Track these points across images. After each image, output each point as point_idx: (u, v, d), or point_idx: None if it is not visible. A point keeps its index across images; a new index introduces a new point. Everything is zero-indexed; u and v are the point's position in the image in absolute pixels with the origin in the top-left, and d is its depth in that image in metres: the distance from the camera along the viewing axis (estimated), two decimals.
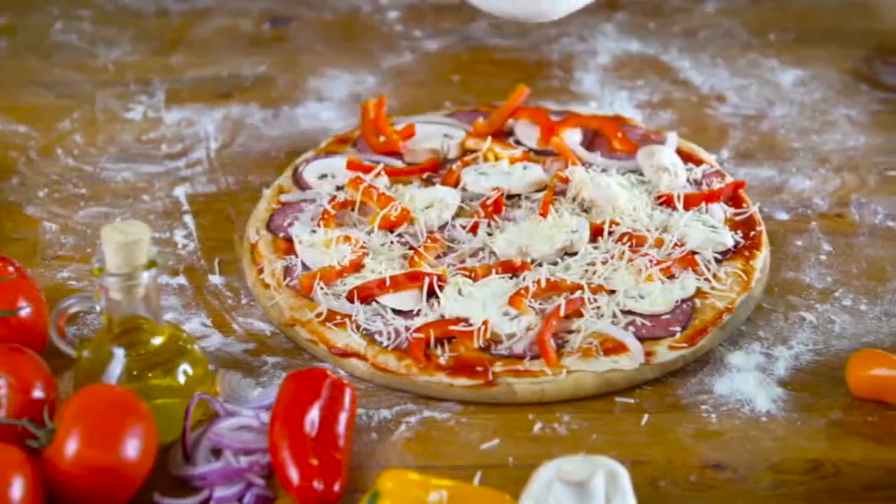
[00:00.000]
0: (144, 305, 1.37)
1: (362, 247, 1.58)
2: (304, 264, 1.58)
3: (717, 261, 1.58)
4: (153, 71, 2.06)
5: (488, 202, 1.65)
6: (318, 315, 1.51)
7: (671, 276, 1.54)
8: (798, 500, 1.34)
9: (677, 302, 1.51)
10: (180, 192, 1.79)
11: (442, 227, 1.64)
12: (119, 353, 1.37)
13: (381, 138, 1.76)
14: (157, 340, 1.39)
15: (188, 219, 1.74)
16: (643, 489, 1.34)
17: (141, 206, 1.76)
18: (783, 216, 1.73)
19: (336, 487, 1.31)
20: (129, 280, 1.33)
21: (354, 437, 1.40)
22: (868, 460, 1.37)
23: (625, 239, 1.59)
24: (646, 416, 1.43)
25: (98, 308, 1.37)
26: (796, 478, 1.36)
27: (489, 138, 1.76)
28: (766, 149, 1.86)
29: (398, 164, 1.75)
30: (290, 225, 1.64)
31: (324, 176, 1.72)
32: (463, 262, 1.59)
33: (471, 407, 1.45)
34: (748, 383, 1.47)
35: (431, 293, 1.53)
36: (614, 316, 1.49)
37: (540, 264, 1.57)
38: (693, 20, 2.18)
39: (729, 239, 1.60)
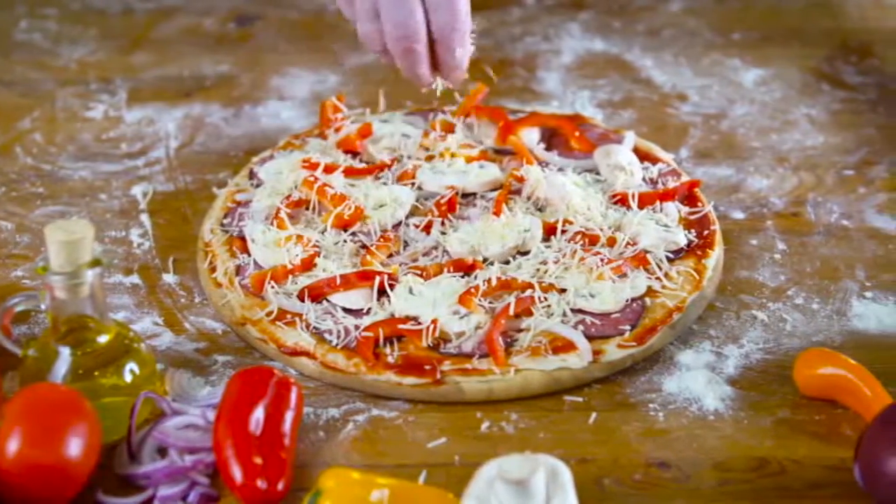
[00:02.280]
0: (90, 304, 1.37)
1: (314, 245, 1.58)
2: (256, 263, 1.59)
3: (670, 260, 1.58)
4: (116, 70, 2.06)
5: (442, 201, 1.65)
6: (269, 314, 1.51)
7: (622, 275, 1.54)
8: (742, 498, 1.34)
9: (628, 301, 1.52)
10: (138, 191, 1.79)
11: (396, 226, 1.64)
12: (64, 352, 1.37)
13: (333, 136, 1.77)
14: (104, 339, 1.39)
15: (144, 218, 1.74)
16: (588, 487, 1.34)
17: (97, 205, 1.76)
18: (739, 215, 1.73)
19: (280, 486, 1.31)
20: (73, 279, 1.33)
21: (301, 435, 1.40)
22: (813, 458, 1.37)
23: (577, 238, 1.59)
24: (594, 415, 1.43)
25: (43, 307, 1.37)
26: (741, 476, 1.36)
27: (447, 137, 1.76)
28: (724, 148, 1.86)
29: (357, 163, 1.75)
30: (244, 223, 1.64)
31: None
32: (416, 260, 1.59)
33: (419, 406, 1.45)
34: (697, 382, 1.47)
35: (383, 292, 1.53)
36: (564, 315, 1.50)
37: (492, 263, 1.57)
38: (658, 19, 2.19)
39: (682, 238, 1.60)
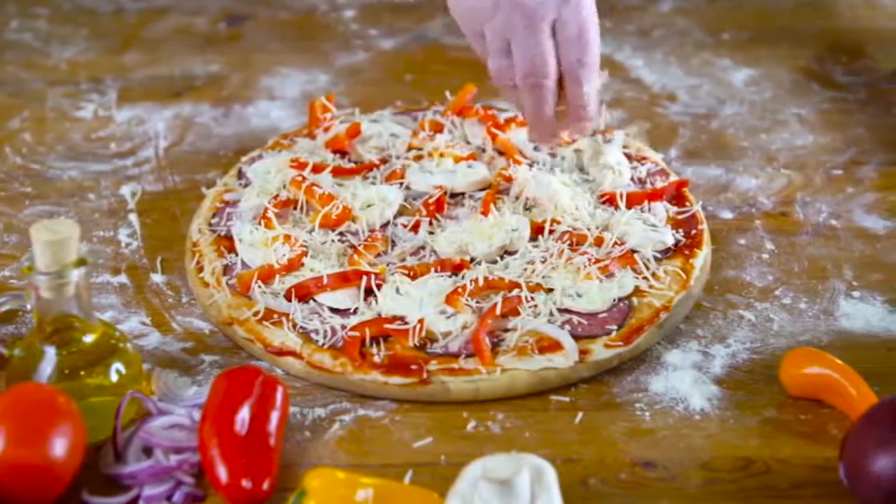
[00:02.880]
0: (76, 304, 1.36)
1: (302, 245, 1.58)
2: (243, 263, 1.59)
3: (658, 259, 1.58)
4: (106, 69, 2.06)
5: (430, 201, 1.65)
6: (256, 314, 1.51)
7: (609, 275, 1.54)
8: (728, 497, 1.34)
9: (615, 300, 1.52)
10: (126, 190, 1.79)
11: (384, 226, 1.64)
12: (50, 351, 1.37)
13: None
14: (89, 339, 1.39)
15: (133, 217, 1.74)
16: (573, 487, 1.34)
17: (86, 204, 1.76)
18: (728, 215, 1.73)
19: (265, 486, 1.31)
20: (58, 278, 1.33)
21: (287, 435, 1.40)
22: (799, 458, 1.37)
23: (565, 238, 1.59)
24: (580, 415, 1.43)
25: (29, 307, 1.37)
26: (726, 476, 1.36)
27: (436, 137, 1.76)
28: (714, 148, 1.87)
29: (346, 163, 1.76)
30: (232, 223, 1.64)
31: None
32: (403, 260, 1.59)
33: (405, 405, 1.45)
34: (684, 382, 1.47)
35: (370, 292, 1.53)
36: (551, 314, 1.50)
37: (479, 263, 1.57)
38: (648, 19, 2.19)
39: (669, 237, 1.60)
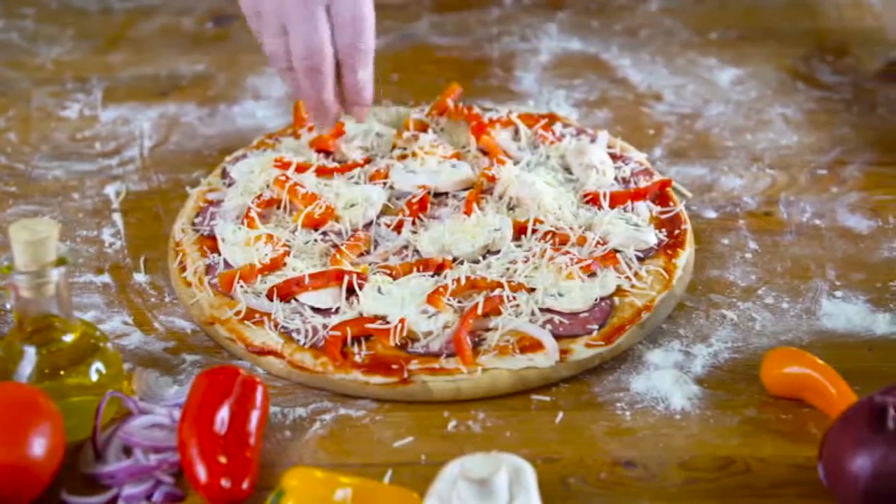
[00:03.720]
0: (56, 303, 1.36)
1: (284, 245, 1.58)
2: (226, 262, 1.58)
3: (640, 259, 1.58)
4: (92, 69, 2.06)
5: (414, 200, 1.65)
6: (238, 313, 1.51)
7: (592, 274, 1.54)
8: (707, 497, 1.34)
9: (596, 300, 1.52)
10: (111, 190, 1.79)
11: (367, 226, 1.64)
12: (30, 351, 1.37)
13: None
14: (69, 338, 1.38)
15: (117, 217, 1.74)
16: (553, 487, 1.34)
17: (70, 204, 1.76)
18: (711, 214, 1.73)
19: (244, 485, 1.31)
20: (37, 278, 1.33)
21: (268, 434, 1.40)
22: (778, 457, 1.37)
23: (548, 237, 1.59)
24: (561, 414, 1.43)
25: (9, 306, 1.37)
26: (706, 475, 1.36)
27: (420, 136, 1.76)
28: (699, 147, 1.87)
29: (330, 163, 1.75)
30: (215, 223, 1.64)
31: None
32: (386, 260, 1.59)
33: (386, 405, 1.45)
34: (665, 381, 1.47)
35: (352, 291, 1.53)
36: (532, 314, 1.50)
37: (462, 262, 1.57)
38: (635, 19, 2.19)
39: (652, 237, 1.60)
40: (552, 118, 1.84)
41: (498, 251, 1.58)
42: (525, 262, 1.55)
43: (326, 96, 1.57)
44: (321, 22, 1.53)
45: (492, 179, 1.67)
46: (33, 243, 1.32)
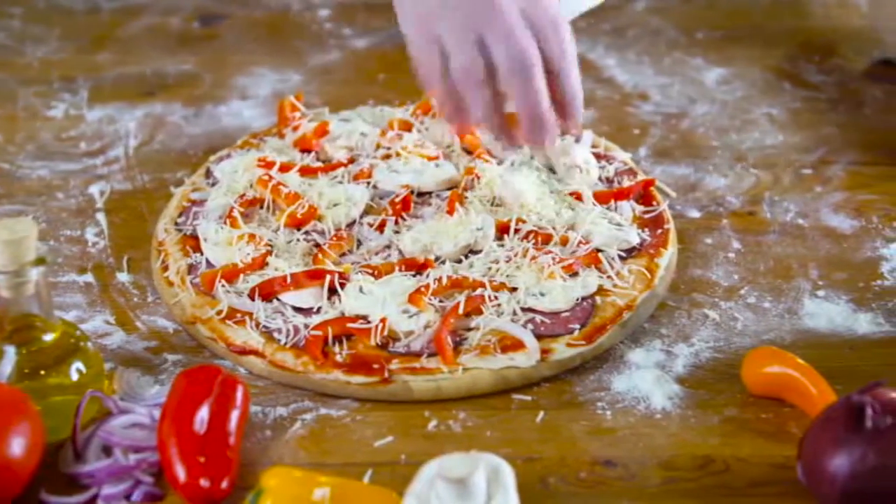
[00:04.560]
0: (36, 303, 1.36)
1: (267, 244, 1.58)
2: (208, 262, 1.58)
3: (623, 258, 1.58)
4: (78, 69, 2.06)
5: (397, 200, 1.65)
6: (219, 312, 1.51)
7: (574, 274, 1.54)
8: (686, 496, 1.34)
9: (578, 300, 1.52)
10: (95, 189, 1.79)
11: (350, 225, 1.64)
12: (10, 350, 1.37)
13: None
14: (49, 338, 1.38)
15: (100, 217, 1.73)
16: (533, 486, 1.35)
17: (54, 203, 1.76)
18: (695, 214, 1.73)
19: (223, 485, 1.31)
20: (16, 277, 1.33)
21: (248, 434, 1.40)
22: (758, 457, 1.37)
23: (530, 237, 1.59)
24: (541, 413, 1.43)
25: None
26: (686, 474, 1.36)
27: (404, 136, 1.76)
28: (684, 147, 1.87)
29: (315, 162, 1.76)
30: (198, 222, 1.64)
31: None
32: (368, 259, 1.59)
33: (367, 404, 1.45)
34: (646, 381, 1.47)
35: (334, 291, 1.53)
36: (514, 313, 1.50)
37: (444, 262, 1.57)
38: (622, 18, 2.19)
39: (634, 237, 1.60)
40: None
41: (480, 251, 1.58)
42: (507, 261, 1.55)
43: (545, 105, 1.41)
44: (522, 26, 1.39)
45: (476, 178, 1.67)
46: (12, 243, 1.32)
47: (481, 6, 1.38)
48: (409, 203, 1.65)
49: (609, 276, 1.55)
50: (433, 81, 1.45)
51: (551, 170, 1.73)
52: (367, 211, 1.66)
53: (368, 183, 1.70)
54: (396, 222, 1.63)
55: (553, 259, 1.54)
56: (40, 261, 1.34)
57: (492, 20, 1.38)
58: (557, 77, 1.43)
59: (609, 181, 1.72)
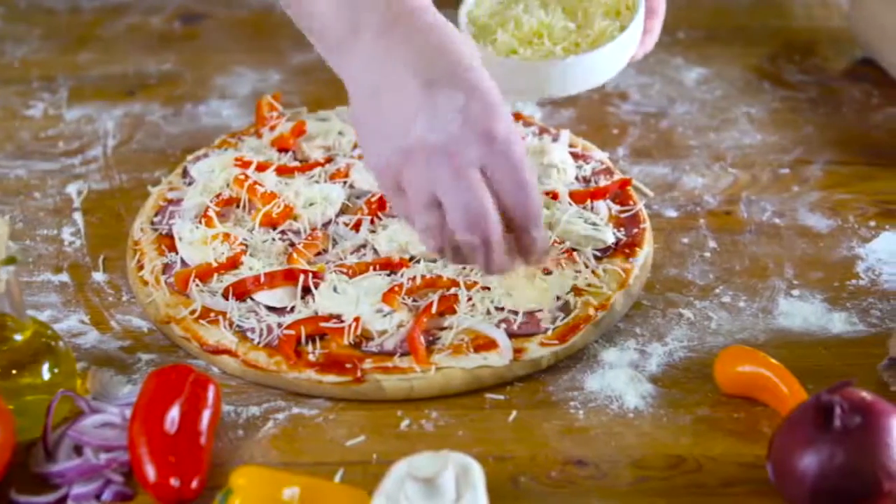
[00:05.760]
0: (7, 302, 1.36)
1: (241, 244, 1.58)
2: (183, 261, 1.58)
3: (598, 258, 1.58)
4: (58, 68, 2.05)
5: (373, 199, 1.65)
6: (193, 312, 1.51)
7: (548, 273, 1.54)
8: (657, 495, 1.34)
9: (552, 299, 1.51)
10: (72, 189, 1.78)
11: (326, 225, 1.64)
12: None
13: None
14: (20, 337, 1.39)
15: (77, 216, 1.73)
16: (503, 485, 1.35)
17: (31, 203, 1.76)
18: (672, 213, 1.73)
19: (194, 484, 1.31)
20: None
21: (220, 433, 1.40)
22: (730, 456, 1.38)
23: None
24: (514, 413, 1.43)
25: None
26: (657, 473, 1.36)
27: None
28: (662, 146, 1.86)
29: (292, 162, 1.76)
30: (174, 222, 1.64)
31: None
32: (343, 259, 1.59)
33: (340, 404, 1.45)
34: (619, 380, 1.47)
35: (308, 290, 1.53)
36: (488, 313, 1.50)
37: (419, 261, 1.57)
38: None
39: (609, 236, 1.60)
40: (515, 117, 1.84)
41: None
42: None
43: (500, 262, 1.37)
44: (480, 187, 1.32)
45: None
46: None
47: (438, 166, 1.32)
48: (385, 202, 1.65)
49: (584, 276, 1.54)
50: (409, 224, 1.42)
51: None
52: (344, 210, 1.66)
53: (345, 182, 1.70)
54: (372, 221, 1.63)
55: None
56: (11, 260, 1.34)
57: (446, 183, 1.32)
58: (519, 233, 1.39)
59: (586, 181, 1.72)
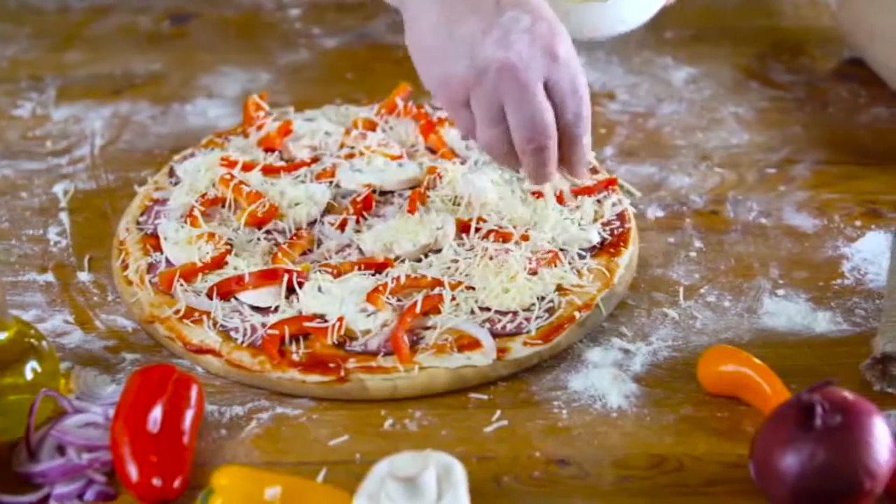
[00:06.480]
0: None
1: (226, 243, 1.58)
2: (168, 261, 1.58)
3: (583, 257, 1.58)
4: (46, 68, 2.05)
5: (359, 199, 1.65)
6: (177, 312, 1.51)
7: (533, 273, 1.54)
8: (640, 495, 1.34)
9: (537, 298, 1.52)
10: (59, 189, 1.78)
11: (311, 224, 1.64)
12: None
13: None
14: (3, 337, 1.38)
15: (63, 216, 1.73)
16: (486, 485, 1.35)
17: (17, 203, 1.76)
18: (659, 213, 1.73)
19: (176, 484, 1.31)
20: None
21: (203, 433, 1.40)
22: (712, 455, 1.38)
23: (490, 236, 1.59)
24: (498, 413, 1.43)
25: None
26: (640, 473, 1.36)
27: (368, 135, 1.76)
28: (649, 146, 1.87)
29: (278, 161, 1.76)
30: (159, 221, 1.64)
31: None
32: (328, 259, 1.59)
33: (324, 403, 1.45)
34: (603, 379, 1.47)
35: (292, 290, 1.53)
36: (472, 312, 1.50)
37: (403, 261, 1.57)
38: None
39: (595, 236, 1.60)
40: None
41: (440, 250, 1.59)
42: (466, 260, 1.55)
43: (551, 168, 1.51)
44: (543, 97, 1.45)
45: (433, 175, 1.67)
46: None
47: (507, 79, 1.44)
48: (371, 202, 1.65)
49: (568, 275, 1.54)
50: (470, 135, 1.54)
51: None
52: (329, 210, 1.66)
53: (331, 182, 1.70)
54: (357, 221, 1.63)
55: (512, 258, 1.53)
56: None
57: (512, 93, 1.44)
58: (570, 141, 1.51)
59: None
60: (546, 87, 1.46)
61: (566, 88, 1.46)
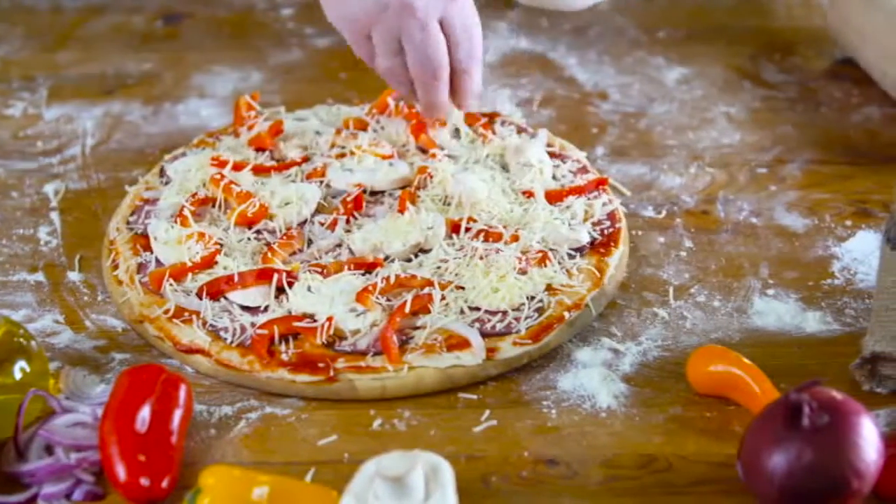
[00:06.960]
0: None
1: (216, 243, 1.58)
2: (158, 261, 1.58)
3: (573, 257, 1.58)
4: (39, 68, 2.06)
5: (349, 199, 1.65)
6: (166, 311, 1.51)
7: (523, 272, 1.54)
8: (628, 494, 1.34)
9: (526, 298, 1.51)
10: (50, 188, 1.78)
11: (302, 224, 1.64)
12: None
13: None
14: None
15: (54, 215, 1.73)
16: (474, 485, 1.35)
17: (8, 202, 1.76)
18: (649, 213, 1.73)
19: (164, 483, 1.31)
20: None
21: (192, 433, 1.40)
22: (701, 455, 1.38)
23: (480, 235, 1.59)
24: (487, 412, 1.43)
25: None
26: (628, 472, 1.36)
27: (358, 135, 1.76)
28: (641, 146, 1.87)
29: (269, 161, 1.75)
30: (149, 221, 1.64)
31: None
32: (318, 258, 1.59)
33: (313, 403, 1.45)
34: (592, 379, 1.47)
35: (282, 290, 1.53)
36: (462, 312, 1.50)
37: (393, 261, 1.57)
38: (585, 17, 2.18)
39: (585, 236, 1.60)
40: (494, 116, 1.84)
41: (430, 249, 1.58)
42: (456, 260, 1.55)
43: (443, 99, 1.65)
44: (437, 33, 1.60)
45: (423, 174, 1.67)
46: None
47: (406, 15, 1.59)
48: (361, 202, 1.65)
49: (558, 275, 1.54)
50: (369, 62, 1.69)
51: (505, 168, 1.73)
52: (320, 210, 1.66)
53: (321, 182, 1.70)
54: (348, 221, 1.63)
55: (502, 258, 1.53)
56: None
57: (410, 29, 1.59)
58: (460, 75, 1.65)
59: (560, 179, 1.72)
60: (441, 25, 1.60)
61: (459, 26, 1.62)
